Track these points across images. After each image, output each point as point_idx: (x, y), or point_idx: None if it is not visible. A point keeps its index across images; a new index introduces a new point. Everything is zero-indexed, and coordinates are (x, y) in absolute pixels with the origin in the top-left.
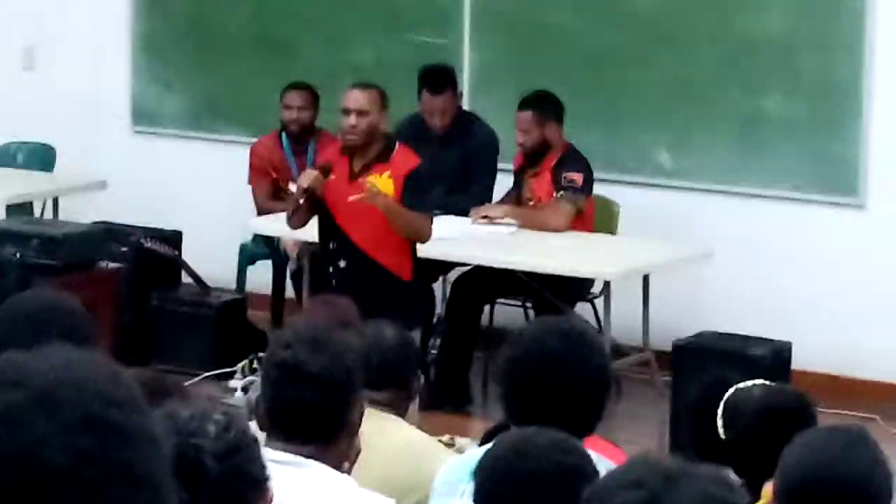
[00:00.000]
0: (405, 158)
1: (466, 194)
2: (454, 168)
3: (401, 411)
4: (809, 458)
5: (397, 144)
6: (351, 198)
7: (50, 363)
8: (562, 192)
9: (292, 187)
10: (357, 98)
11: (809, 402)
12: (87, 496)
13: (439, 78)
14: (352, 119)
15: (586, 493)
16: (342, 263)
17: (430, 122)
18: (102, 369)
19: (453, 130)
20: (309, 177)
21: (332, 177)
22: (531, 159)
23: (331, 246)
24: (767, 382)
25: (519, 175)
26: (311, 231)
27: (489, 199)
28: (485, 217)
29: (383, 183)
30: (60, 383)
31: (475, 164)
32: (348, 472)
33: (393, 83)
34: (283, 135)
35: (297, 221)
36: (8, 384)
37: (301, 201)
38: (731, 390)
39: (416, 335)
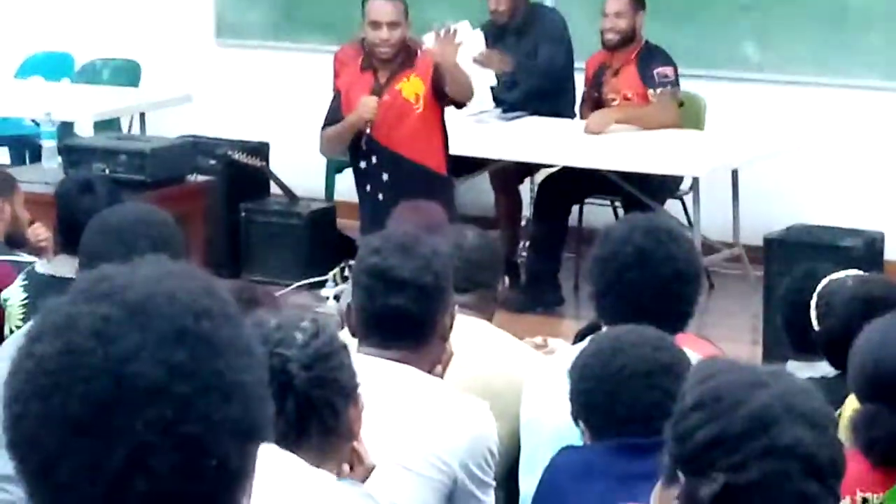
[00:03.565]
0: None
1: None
2: (531, 55)
3: (487, 314)
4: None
5: (420, 50)
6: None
7: (142, 276)
8: (660, 89)
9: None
10: (387, 10)
11: None
12: (179, 408)
13: None
14: (384, 32)
15: (704, 393)
16: (385, 176)
17: (490, 11)
18: (194, 281)
19: (524, 21)
20: (370, 108)
21: (386, 97)
22: (616, 47)
23: (368, 163)
24: (861, 273)
25: (596, 78)
26: None
27: (572, 76)
28: (594, 132)
29: (412, 85)
30: (152, 296)
31: (545, 43)
32: (441, 375)
33: None
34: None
35: (339, 149)
36: (100, 297)
37: (368, 131)
38: (825, 281)
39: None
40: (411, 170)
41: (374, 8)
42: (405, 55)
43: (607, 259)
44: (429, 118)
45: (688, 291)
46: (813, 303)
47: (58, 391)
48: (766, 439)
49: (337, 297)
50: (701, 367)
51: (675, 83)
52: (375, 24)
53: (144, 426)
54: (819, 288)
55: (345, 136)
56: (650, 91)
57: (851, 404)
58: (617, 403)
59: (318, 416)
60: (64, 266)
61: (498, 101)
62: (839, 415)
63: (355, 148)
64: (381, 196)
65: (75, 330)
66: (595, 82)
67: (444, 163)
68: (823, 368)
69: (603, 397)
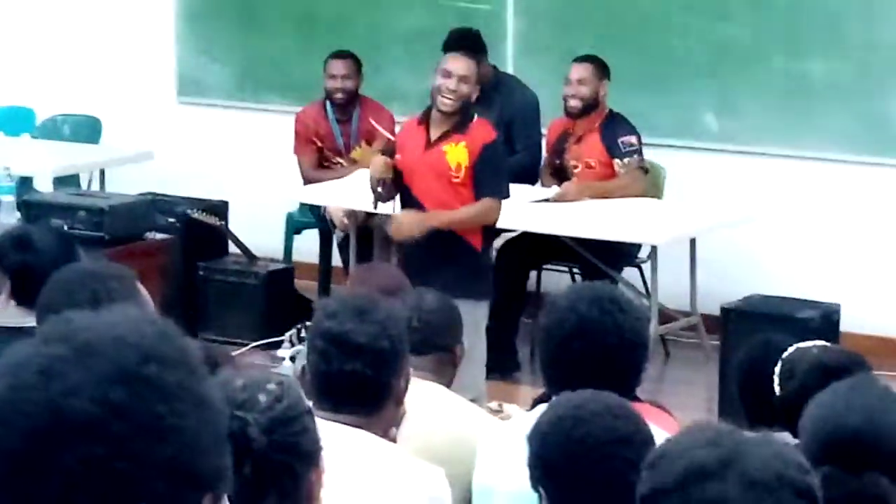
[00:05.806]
0: (483, 130)
1: (517, 154)
2: (497, 125)
3: (445, 378)
4: (840, 409)
5: (476, 117)
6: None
7: (101, 321)
8: (627, 160)
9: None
10: (462, 65)
11: (863, 361)
12: (112, 447)
13: (450, 46)
14: (452, 83)
15: (656, 452)
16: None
17: None
18: (151, 327)
19: (491, 90)
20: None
21: (399, 157)
22: (579, 115)
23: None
24: (827, 344)
25: (558, 144)
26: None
27: (539, 155)
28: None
29: (458, 152)
30: (101, 338)
31: (521, 124)
32: (394, 438)
33: (436, 51)
34: (328, 103)
35: (386, 200)
36: (56, 339)
37: (379, 189)
38: (791, 349)
39: (486, 306)
40: (443, 234)
41: (450, 58)
42: (460, 118)
43: (552, 328)
44: (465, 193)
45: (633, 360)
46: (777, 369)
47: (1, 426)
48: (690, 493)
49: (293, 358)
50: (679, 433)
51: (640, 152)
52: (447, 74)
53: (77, 462)
54: (784, 355)
55: (373, 198)
56: (616, 161)
57: None
58: (578, 472)
59: (276, 481)
60: (13, 316)
61: None
62: None
63: (401, 201)
64: (406, 251)
65: (25, 368)
66: (557, 149)
67: (480, 239)
68: (784, 438)
69: (565, 465)
